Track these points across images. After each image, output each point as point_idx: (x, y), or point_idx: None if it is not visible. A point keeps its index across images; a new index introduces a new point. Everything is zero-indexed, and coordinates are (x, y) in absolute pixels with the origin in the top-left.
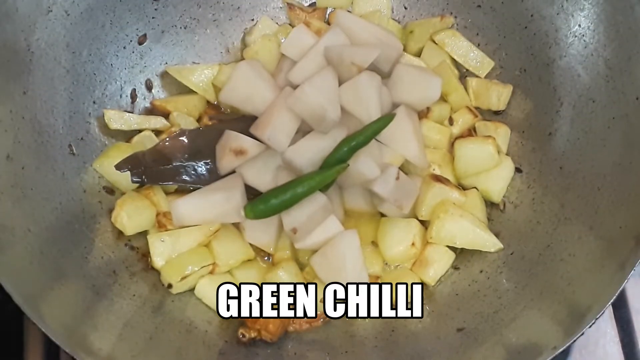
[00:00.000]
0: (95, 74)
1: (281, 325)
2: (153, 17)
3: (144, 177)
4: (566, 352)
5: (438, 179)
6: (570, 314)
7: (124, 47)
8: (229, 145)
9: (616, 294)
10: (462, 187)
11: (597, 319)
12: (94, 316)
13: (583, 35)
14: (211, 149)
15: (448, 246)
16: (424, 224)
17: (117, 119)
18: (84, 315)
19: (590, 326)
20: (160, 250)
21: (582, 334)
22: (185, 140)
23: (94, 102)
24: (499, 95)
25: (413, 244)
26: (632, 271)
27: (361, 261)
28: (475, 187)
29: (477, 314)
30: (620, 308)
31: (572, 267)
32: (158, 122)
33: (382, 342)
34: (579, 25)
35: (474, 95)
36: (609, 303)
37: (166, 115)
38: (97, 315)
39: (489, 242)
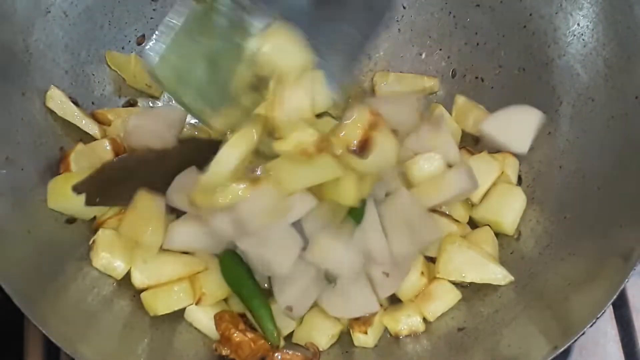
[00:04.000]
0: (94, 74)
1: (253, 355)
2: (152, 18)
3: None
4: (566, 352)
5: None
6: (570, 313)
7: (123, 48)
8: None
9: (616, 294)
10: (475, 223)
11: (597, 318)
12: (94, 316)
13: (582, 35)
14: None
15: (455, 285)
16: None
17: (56, 98)
18: (84, 316)
19: (590, 326)
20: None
21: (582, 333)
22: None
23: (92, 103)
24: (475, 120)
25: (422, 272)
26: (633, 270)
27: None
28: (488, 225)
29: (477, 313)
30: (620, 308)
31: (572, 267)
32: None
33: (382, 342)
34: (578, 25)
35: (456, 114)
36: (609, 303)
37: None
38: (97, 315)
39: (500, 275)
